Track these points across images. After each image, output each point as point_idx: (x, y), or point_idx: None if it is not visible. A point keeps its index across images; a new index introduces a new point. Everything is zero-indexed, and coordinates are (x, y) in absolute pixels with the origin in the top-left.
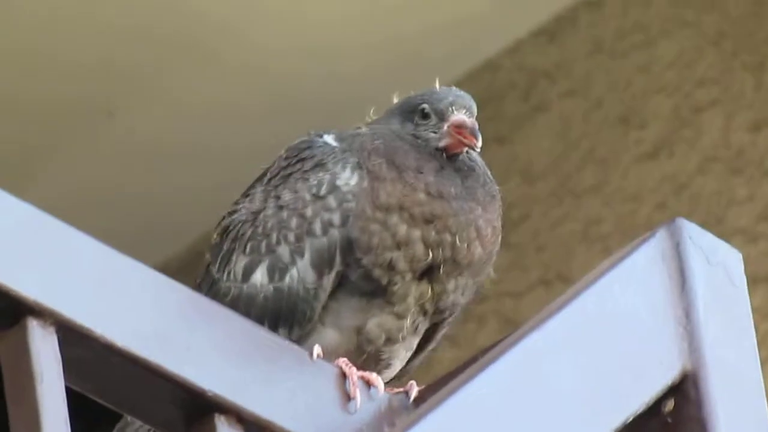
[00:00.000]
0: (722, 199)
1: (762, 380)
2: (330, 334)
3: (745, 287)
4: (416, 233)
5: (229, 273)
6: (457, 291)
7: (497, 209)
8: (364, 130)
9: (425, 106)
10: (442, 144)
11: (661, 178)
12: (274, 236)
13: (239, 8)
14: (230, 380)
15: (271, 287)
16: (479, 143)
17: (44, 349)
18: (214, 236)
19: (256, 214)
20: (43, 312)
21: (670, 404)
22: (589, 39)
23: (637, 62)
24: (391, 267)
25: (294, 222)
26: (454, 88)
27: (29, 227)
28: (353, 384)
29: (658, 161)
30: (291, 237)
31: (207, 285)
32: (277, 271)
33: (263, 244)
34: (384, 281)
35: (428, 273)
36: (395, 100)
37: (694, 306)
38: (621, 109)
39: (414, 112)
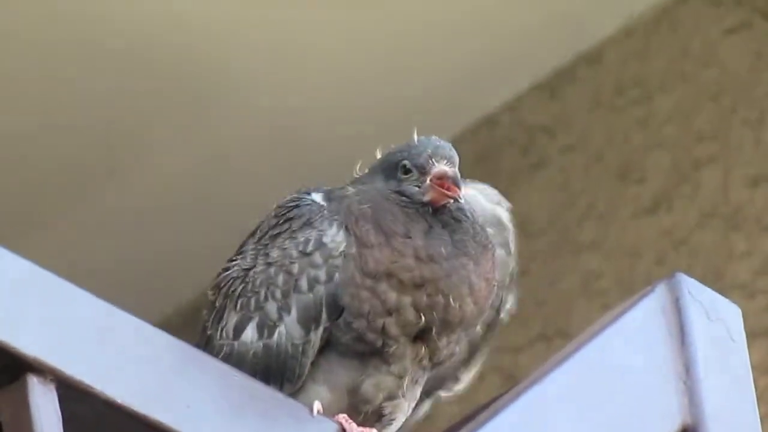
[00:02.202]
0: (721, 255)
1: None
2: (322, 392)
3: (745, 342)
4: (407, 299)
5: (221, 330)
6: (450, 345)
7: (490, 258)
8: (350, 191)
9: (405, 162)
10: (426, 198)
11: (660, 233)
12: (262, 293)
13: (235, 66)
14: None
15: (260, 344)
16: (461, 192)
17: (44, 406)
18: (210, 293)
19: (246, 271)
20: (43, 368)
21: None
22: (587, 94)
23: (635, 116)
24: (384, 331)
25: (281, 278)
26: (433, 137)
27: (29, 284)
28: None
29: (657, 216)
30: (278, 294)
31: (203, 343)
32: (266, 327)
33: (253, 301)
34: (378, 344)
35: (421, 334)
36: (378, 155)
37: (694, 361)
38: (620, 163)
39: (396, 168)
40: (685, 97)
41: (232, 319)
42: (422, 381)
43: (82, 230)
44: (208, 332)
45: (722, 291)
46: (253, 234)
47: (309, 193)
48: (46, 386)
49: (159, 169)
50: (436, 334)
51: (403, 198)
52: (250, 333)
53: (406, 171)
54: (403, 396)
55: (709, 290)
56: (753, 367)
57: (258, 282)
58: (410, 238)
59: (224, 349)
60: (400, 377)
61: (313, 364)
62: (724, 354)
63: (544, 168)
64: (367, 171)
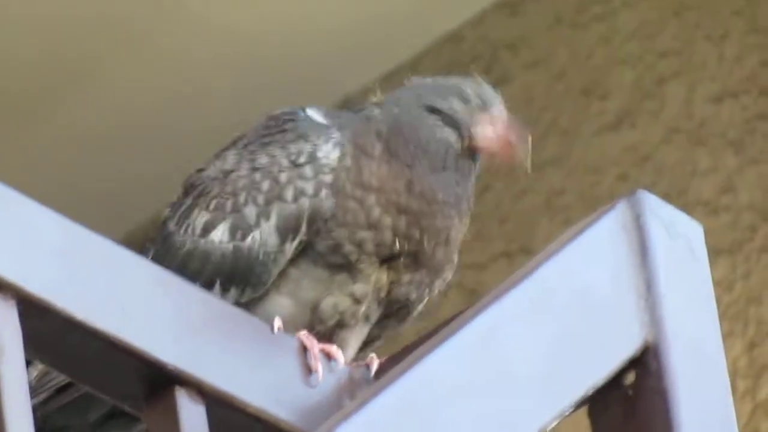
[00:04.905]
0: (685, 171)
1: (723, 353)
2: (285, 304)
3: (706, 260)
4: (388, 219)
5: (187, 227)
6: (411, 285)
7: (466, 224)
8: (376, 112)
9: (468, 90)
10: (474, 131)
11: (624, 149)
12: (242, 196)
13: None
14: (190, 353)
15: (230, 245)
16: (527, 164)
17: (5, 322)
18: (179, 192)
19: (226, 173)
20: (3, 285)
21: (631, 376)
22: (550, 11)
23: (598, 33)
24: (359, 245)
25: (266, 185)
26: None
27: None
28: (315, 357)
29: (620, 132)
30: (260, 199)
31: (161, 238)
32: (239, 230)
33: (229, 203)
34: (353, 257)
35: (389, 261)
36: (408, 82)
37: (655, 278)
38: (583, 80)
39: (452, 92)
40: (648, 14)
41: (202, 217)
42: (372, 318)
43: (39, 150)
44: (171, 228)
45: (686, 207)
46: (235, 142)
47: (303, 110)
48: (6, 302)
49: (117, 92)
50: (403, 265)
51: (439, 124)
52: (220, 233)
53: (466, 100)
54: (354, 324)
55: (670, 207)
56: (715, 284)
57: (239, 185)
58: (410, 167)
59: (187, 245)
60: (358, 302)
61: (280, 273)
62: (686, 271)
63: (507, 84)
64: (405, 91)
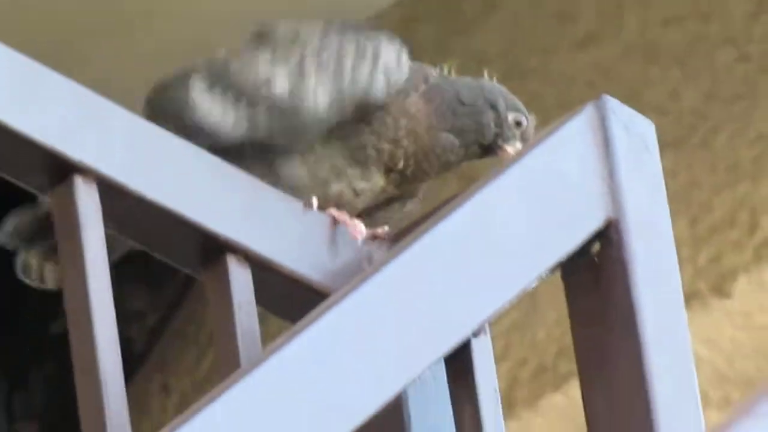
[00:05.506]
0: (640, 81)
1: (671, 228)
2: (302, 175)
3: (657, 152)
4: (404, 141)
5: (248, 76)
6: (389, 195)
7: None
8: (433, 73)
9: (524, 119)
10: (508, 145)
11: (591, 64)
12: (306, 66)
13: None
14: (239, 226)
15: (286, 101)
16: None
17: (88, 200)
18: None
19: (294, 40)
20: (87, 170)
21: (596, 246)
22: None
23: None
24: (379, 153)
25: (331, 66)
26: None
27: (77, 102)
28: (353, 225)
29: (587, 50)
30: (322, 75)
31: (218, 75)
32: (296, 92)
33: (294, 67)
34: (371, 161)
35: (388, 172)
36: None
37: (616, 167)
38: (558, 7)
39: (513, 110)
40: None
41: (265, 73)
42: (362, 214)
43: (118, 69)
44: (231, 69)
45: (641, 110)
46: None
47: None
48: (89, 185)
49: (196, 16)
50: (392, 179)
51: (487, 113)
52: (279, 89)
53: (519, 124)
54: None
55: (629, 109)
56: (664, 172)
57: (306, 56)
58: (435, 116)
59: (246, 91)
60: (357, 197)
61: (310, 148)
62: (641, 161)
63: (497, 10)
64: (472, 79)
